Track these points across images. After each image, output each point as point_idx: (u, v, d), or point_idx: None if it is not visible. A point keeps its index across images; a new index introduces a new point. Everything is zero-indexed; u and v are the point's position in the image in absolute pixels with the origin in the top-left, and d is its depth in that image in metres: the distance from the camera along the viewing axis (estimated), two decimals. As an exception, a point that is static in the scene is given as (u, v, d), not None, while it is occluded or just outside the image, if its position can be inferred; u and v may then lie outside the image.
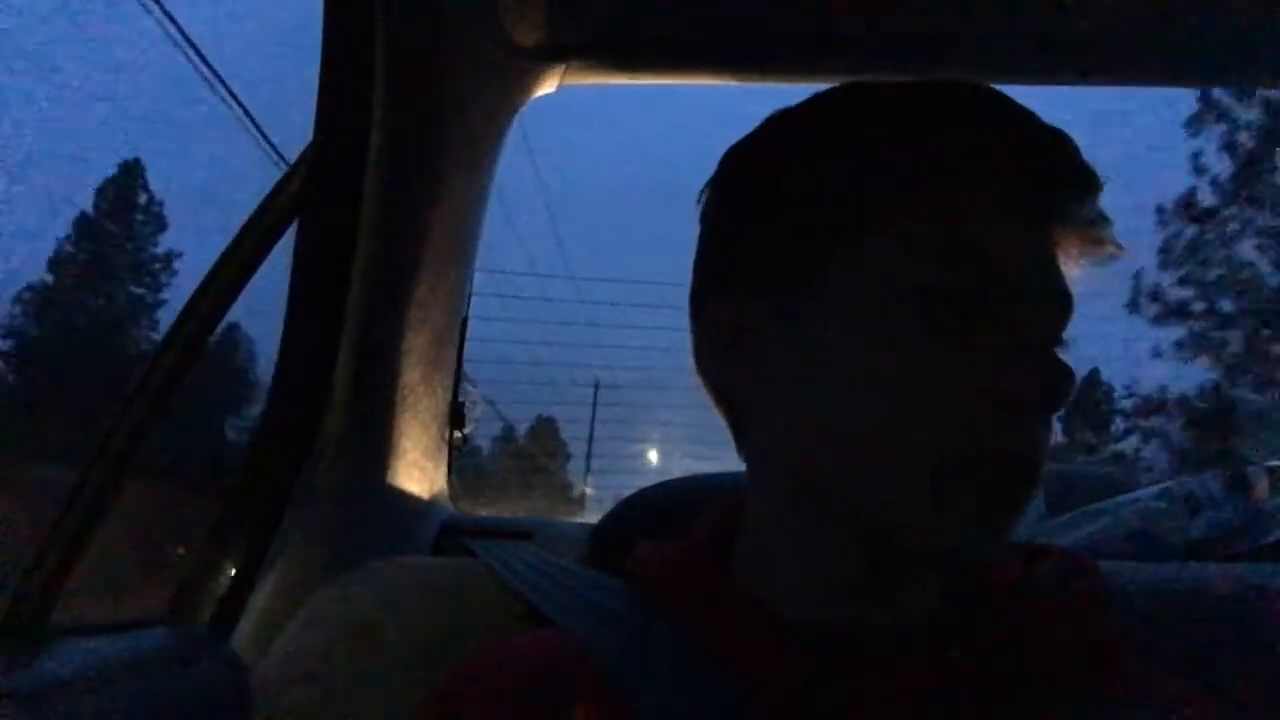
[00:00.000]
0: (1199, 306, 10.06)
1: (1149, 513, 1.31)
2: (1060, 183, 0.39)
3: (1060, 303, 0.39)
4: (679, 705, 0.37)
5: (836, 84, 0.45)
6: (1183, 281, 10.09)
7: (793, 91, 0.47)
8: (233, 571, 0.73)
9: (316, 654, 0.58)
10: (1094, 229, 0.40)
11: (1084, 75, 0.86)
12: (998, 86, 0.42)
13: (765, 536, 0.44)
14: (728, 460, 0.51)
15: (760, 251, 0.43)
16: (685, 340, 0.47)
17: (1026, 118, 0.40)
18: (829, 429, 0.39)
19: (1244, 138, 9.55)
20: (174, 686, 0.61)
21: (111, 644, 0.62)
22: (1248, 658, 0.53)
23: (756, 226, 0.44)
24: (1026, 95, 0.42)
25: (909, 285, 0.37)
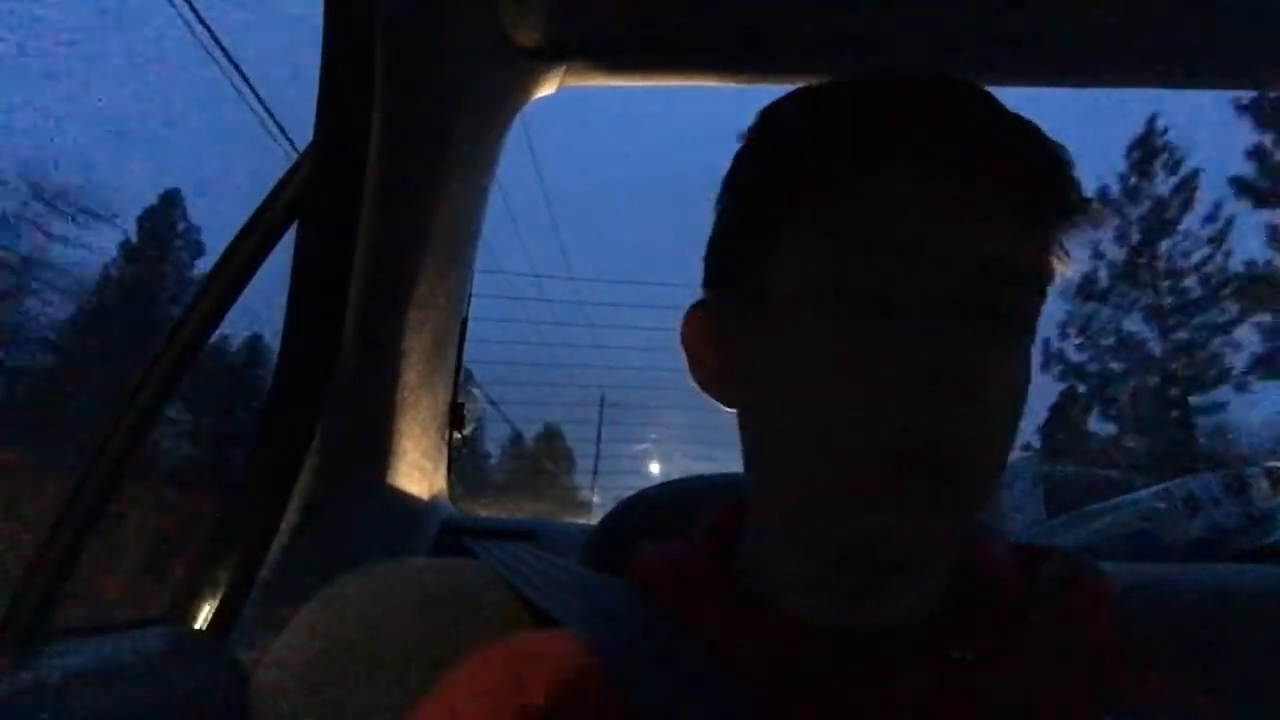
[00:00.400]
0: (1093, 367, 13.07)
1: (1149, 514, 1.31)
2: (972, 169, 0.38)
3: (974, 279, 0.37)
4: (681, 705, 0.37)
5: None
6: (1080, 347, 13.04)
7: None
8: (233, 572, 0.73)
9: (316, 655, 0.58)
10: (1028, 210, 0.38)
11: (1083, 77, 0.86)
12: (996, 87, 0.42)
13: (761, 538, 0.44)
14: (727, 461, 0.51)
15: (720, 259, 0.45)
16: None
17: (978, 111, 0.40)
18: (781, 428, 0.40)
19: (1133, 230, 12.70)
20: (173, 687, 0.61)
21: (111, 644, 0.62)
22: (1248, 658, 0.53)
23: (720, 235, 0.46)
24: (1027, 95, 0.41)
25: (823, 279, 0.38)
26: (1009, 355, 0.38)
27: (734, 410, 0.45)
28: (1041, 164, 0.39)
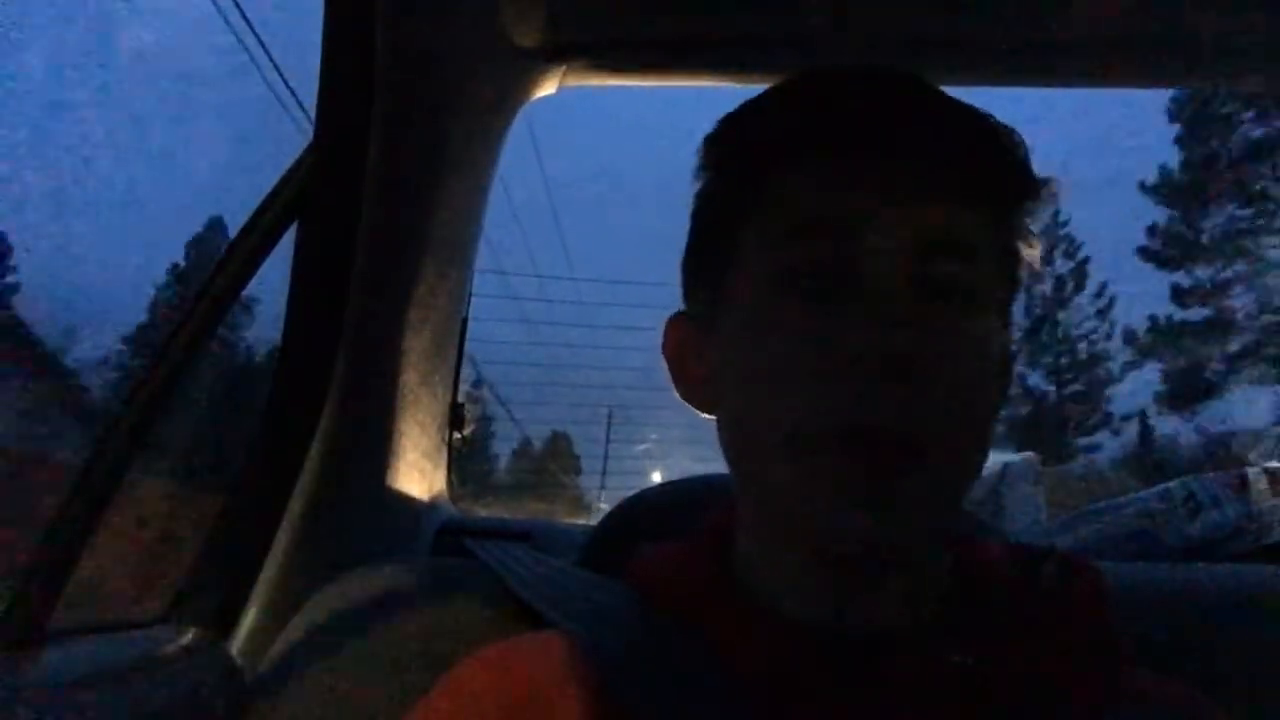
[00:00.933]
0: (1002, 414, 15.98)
1: (1149, 513, 1.31)
2: (912, 148, 0.38)
3: (915, 258, 0.37)
4: (679, 706, 0.37)
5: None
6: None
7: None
8: (232, 573, 0.73)
9: (316, 655, 0.58)
10: (969, 188, 0.38)
11: (1082, 78, 0.86)
12: (996, 88, 0.42)
13: (749, 541, 0.44)
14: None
15: (691, 269, 0.47)
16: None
17: (885, 94, 0.40)
18: (740, 425, 0.41)
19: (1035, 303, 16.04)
20: (173, 687, 0.61)
21: (111, 644, 0.62)
22: (1248, 658, 0.53)
23: (690, 245, 0.47)
24: (1027, 96, 0.41)
25: (772, 269, 0.39)
26: (965, 334, 0.38)
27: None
28: (982, 144, 0.39)
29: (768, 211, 0.40)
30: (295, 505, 0.76)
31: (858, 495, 0.35)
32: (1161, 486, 1.39)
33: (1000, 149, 0.40)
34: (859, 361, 0.35)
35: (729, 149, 0.44)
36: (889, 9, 0.80)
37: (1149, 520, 1.30)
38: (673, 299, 0.48)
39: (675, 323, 0.48)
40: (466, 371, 1.00)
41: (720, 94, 0.92)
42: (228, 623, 0.71)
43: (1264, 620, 0.57)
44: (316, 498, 0.77)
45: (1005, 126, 0.40)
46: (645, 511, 0.67)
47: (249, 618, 0.72)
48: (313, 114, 0.75)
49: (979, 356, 0.38)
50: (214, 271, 0.72)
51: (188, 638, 0.68)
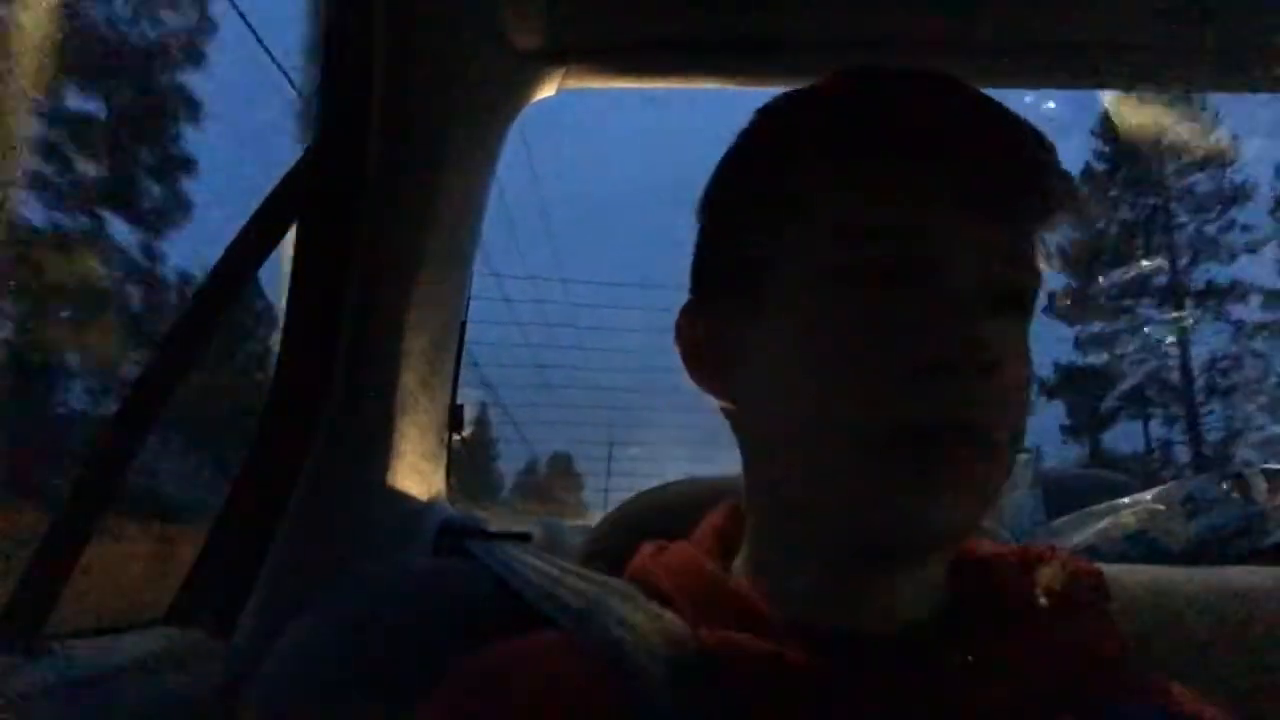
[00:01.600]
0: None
1: (1148, 515, 1.31)
2: (972, 159, 0.38)
3: (984, 264, 0.38)
4: (679, 708, 0.37)
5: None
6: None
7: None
8: (233, 572, 0.73)
9: (316, 655, 0.58)
10: (1029, 198, 0.39)
11: (1082, 78, 0.86)
12: (997, 89, 0.42)
13: (759, 539, 0.44)
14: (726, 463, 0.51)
15: (714, 260, 0.46)
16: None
17: (943, 97, 0.40)
18: (782, 423, 0.40)
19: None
20: (174, 688, 0.61)
21: (111, 645, 0.62)
22: (1248, 658, 0.53)
23: (711, 236, 0.46)
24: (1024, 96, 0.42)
25: (830, 267, 0.38)
26: (1020, 337, 0.40)
27: (728, 407, 0.45)
28: (1038, 154, 0.40)
29: (838, 209, 0.39)
30: (295, 505, 0.76)
31: (938, 488, 0.36)
32: (1160, 488, 1.39)
33: (1052, 157, 0.40)
34: (947, 359, 0.36)
35: (783, 141, 0.43)
36: (889, 10, 0.80)
37: (1148, 521, 1.30)
38: (668, 298, 0.48)
39: (690, 312, 0.47)
40: (475, 394, 1.00)
41: (721, 94, 0.92)
42: (228, 623, 0.71)
43: (1264, 620, 0.57)
44: (316, 498, 0.77)
45: (1043, 133, 0.41)
46: (645, 511, 0.67)
47: (249, 619, 0.72)
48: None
49: (1028, 364, 0.40)
50: (214, 271, 0.72)
51: (188, 638, 0.68)
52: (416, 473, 0.89)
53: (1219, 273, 14.07)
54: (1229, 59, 0.81)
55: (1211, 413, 14.33)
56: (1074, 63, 0.83)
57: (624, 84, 0.93)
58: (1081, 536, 1.34)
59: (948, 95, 0.40)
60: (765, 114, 0.45)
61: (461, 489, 1.03)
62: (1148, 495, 1.37)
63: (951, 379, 0.36)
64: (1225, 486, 1.29)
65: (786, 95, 0.44)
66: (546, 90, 0.92)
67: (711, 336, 0.45)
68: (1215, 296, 14.36)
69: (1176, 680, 0.41)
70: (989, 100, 0.40)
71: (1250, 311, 13.87)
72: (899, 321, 0.37)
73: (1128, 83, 0.89)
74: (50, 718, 0.50)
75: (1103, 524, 1.34)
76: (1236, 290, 14.05)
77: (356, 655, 0.57)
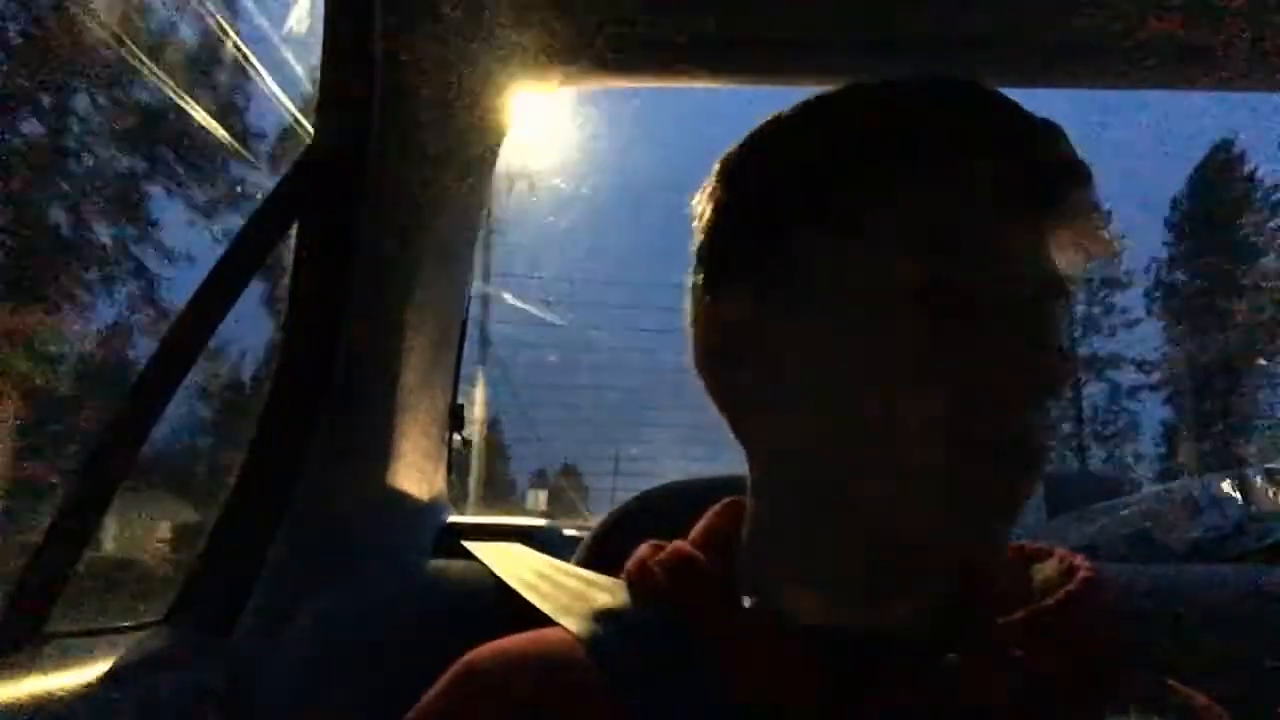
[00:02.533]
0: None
1: (1149, 514, 1.31)
2: (1050, 174, 0.39)
3: (1056, 290, 0.39)
4: (677, 707, 0.37)
5: (837, 86, 0.45)
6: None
7: (793, 94, 0.47)
8: (233, 572, 0.73)
9: (316, 655, 0.58)
10: (1087, 221, 0.40)
11: (1083, 78, 0.86)
12: (999, 89, 0.42)
13: (767, 538, 0.44)
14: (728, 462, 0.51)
15: (760, 248, 0.43)
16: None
17: (1014, 110, 0.40)
18: (832, 423, 0.39)
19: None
20: (174, 688, 0.61)
21: (111, 645, 0.62)
22: (1248, 658, 0.53)
23: (755, 224, 0.44)
24: (1027, 96, 0.42)
25: (908, 277, 0.37)
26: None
27: (745, 400, 0.44)
28: (1078, 163, 0.40)
29: (895, 214, 0.39)
30: (295, 505, 0.76)
31: (997, 502, 0.37)
32: (1161, 487, 1.39)
33: (1088, 173, 0.41)
34: (1014, 376, 0.36)
35: (837, 138, 0.42)
36: (889, 10, 0.80)
37: (1149, 521, 1.30)
38: (665, 298, 0.47)
39: (723, 300, 0.44)
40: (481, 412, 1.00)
41: (720, 94, 0.92)
42: (228, 623, 0.71)
43: (1264, 620, 0.57)
44: (316, 498, 0.77)
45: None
46: (645, 511, 0.67)
47: (249, 619, 0.72)
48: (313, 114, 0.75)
49: None
50: (214, 271, 0.72)
51: (188, 638, 0.68)
52: (416, 472, 0.89)
53: (1100, 344, 18.18)
54: (1229, 59, 0.81)
55: (1093, 457, 18.19)
56: (1074, 63, 0.84)
57: (624, 84, 0.93)
58: (1081, 536, 1.34)
59: (1001, 105, 0.41)
60: (823, 108, 0.44)
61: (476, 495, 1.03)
62: (1148, 495, 1.37)
63: (1019, 394, 0.37)
64: (1225, 486, 1.29)
65: (860, 89, 0.44)
66: (547, 88, 0.92)
67: (748, 324, 0.43)
68: (1099, 364, 18.23)
69: (1176, 680, 0.41)
70: (1023, 110, 0.41)
71: (1124, 376, 18.21)
72: (980, 342, 0.37)
73: (1128, 83, 0.89)
74: (50, 718, 0.50)
75: (1102, 524, 1.34)
76: (1114, 360, 18.28)
77: (356, 655, 0.57)
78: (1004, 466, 0.37)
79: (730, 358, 0.44)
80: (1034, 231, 0.39)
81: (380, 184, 0.76)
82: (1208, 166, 16.58)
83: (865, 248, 0.39)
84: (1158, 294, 17.45)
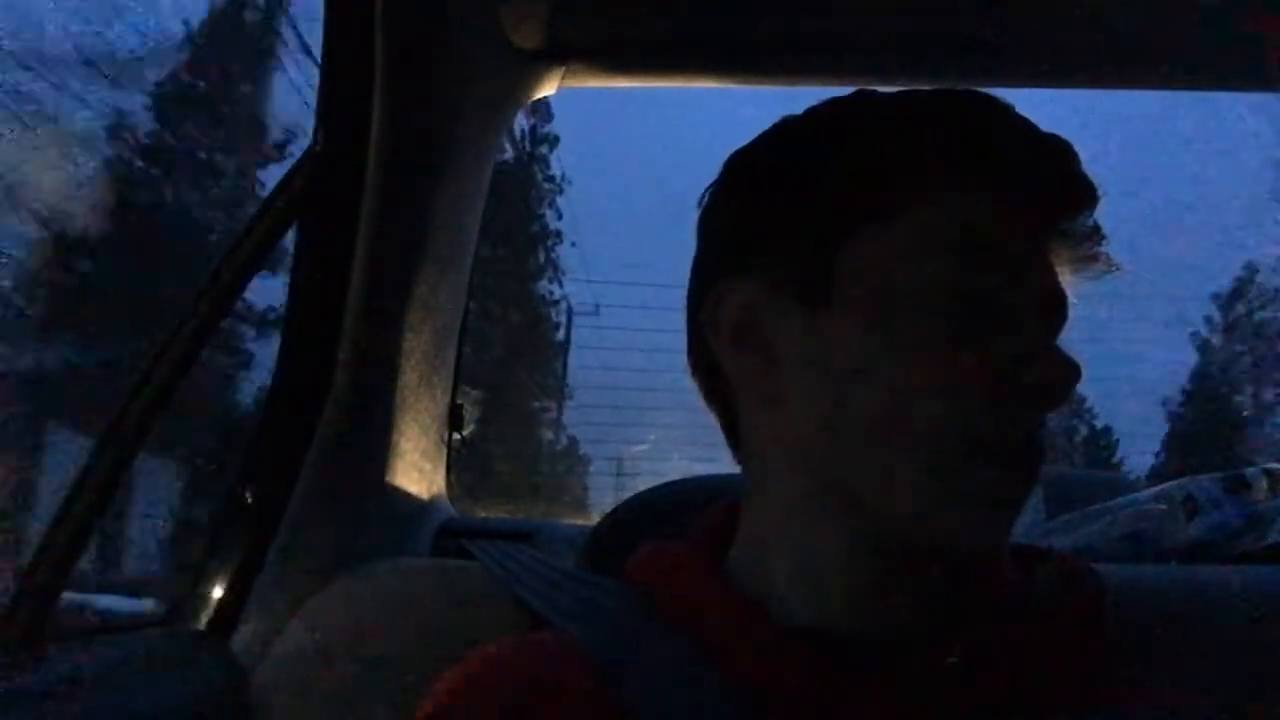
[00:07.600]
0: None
1: (1147, 515, 1.31)
2: (1063, 191, 0.40)
3: (1060, 303, 0.40)
4: (676, 707, 0.37)
5: (837, 87, 0.46)
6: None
7: (793, 94, 0.47)
8: (232, 573, 0.73)
9: (316, 655, 0.58)
10: (1089, 242, 0.42)
11: (1084, 79, 0.86)
12: (1000, 89, 0.42)
13: (766, 538, 0.44)
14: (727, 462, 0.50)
15: (772, 244, 0.43)
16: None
17: (1030, 126, 0.41)
18: (844, 419, 0.39)
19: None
20: (174, 688, 0.61)
21: (111, 644, 0.62)
22: (1247, 660, 0.53)
23: (769, 221, 0.44)
24: (1028, 96, 0.42)
25: (925, 279, 0.38)
26: None
27: (760, 397, 0.43)
28: (1092, 189, 0.41)
29: (913, 216, 0.39)
30: (295, 505, 0.76)
31: (1005, 506, 0.39)
32: (1160, 487, 1.39)
33: (1095, 193, 0.42)
34: (1033, 392, 0.37)
35: (877, 140, 0.42)
36: (890, 10, 0.80)
37: (1148, 522, 1.30)
38: (665, 298, 0.47)
39: (731, 295, 0.43)
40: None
41: (718, 94, 0.92)
42: (228, 623, 0.71)
43: (1264, 621, 0.57)
44: (316, 498, 0.77)
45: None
46: (645, 511, 0.67)
47: (248, 619, 0.72)
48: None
49: None
50: (214, 271, 0.73)
51: (188, 638, 0.68)
52: (417, 471, 0.89)
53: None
54: (1229, 59, 0.81)
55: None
56: (1074, 63, 0.84)
57: (624, 84, 0.93)
58: (1081, 536, 1.34)
59: (1019, 120, 0.41)
60: (856, 105, 0.44)
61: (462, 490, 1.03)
62: (1148, 495, 1.37)
63: (1038, 403, 0.38)
64: (1225, 486, 1.29)
65: (881, 95, 0.44)
66: (547, 89, 0.92)
67: (756, 319, 0.42)
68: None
69: (1176, 680, 0.41)
70: (1035, 125, 0.42)
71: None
72: (994, 346, 0.37)
73: (1128, 83, 0.89)
74: (50, 718, 0.50)
75: (1102, 524, 1.33)
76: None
77: (356, 655, 0.57)
78: (1008, 469, 0.37)
79: (731, 355, 0.44)
80: (1043, 245, 0.40)
81: (380, 184, 0.76)
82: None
83: (882, 245, 0.39)
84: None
